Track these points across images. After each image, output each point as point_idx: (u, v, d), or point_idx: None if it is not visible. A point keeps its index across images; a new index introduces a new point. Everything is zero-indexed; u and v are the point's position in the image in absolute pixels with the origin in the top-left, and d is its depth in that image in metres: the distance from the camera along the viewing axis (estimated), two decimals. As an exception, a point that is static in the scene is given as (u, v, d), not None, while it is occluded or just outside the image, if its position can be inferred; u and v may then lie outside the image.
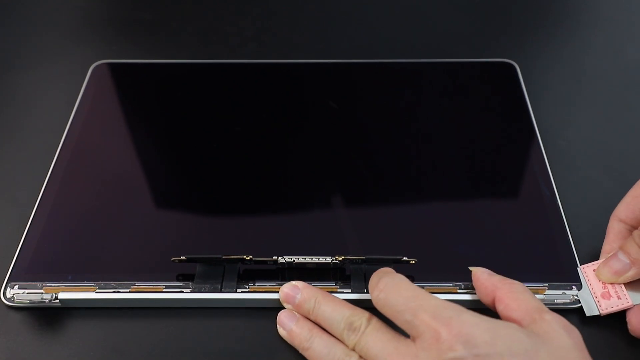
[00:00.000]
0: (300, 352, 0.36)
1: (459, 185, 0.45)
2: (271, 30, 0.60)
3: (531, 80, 0.53)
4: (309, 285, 0.38)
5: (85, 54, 0.56)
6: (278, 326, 0.37)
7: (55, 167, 0.45)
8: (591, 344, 0.32)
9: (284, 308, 0.38)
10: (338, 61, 0.55)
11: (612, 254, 0.38)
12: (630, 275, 0.37)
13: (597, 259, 0.40)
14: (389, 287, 0.34)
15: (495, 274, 0.36)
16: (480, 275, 0.36)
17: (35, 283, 0.39)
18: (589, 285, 0.38)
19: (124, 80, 0.54)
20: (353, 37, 0.59)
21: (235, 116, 0.50)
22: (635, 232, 0.37)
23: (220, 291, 0.38)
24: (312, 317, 0.37)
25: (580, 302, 0.38)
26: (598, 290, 0.38)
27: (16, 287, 0.39)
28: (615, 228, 0.40)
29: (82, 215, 0.43)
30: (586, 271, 0.39)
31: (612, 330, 0.38)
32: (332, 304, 0.36)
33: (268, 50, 0.57)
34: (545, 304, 0.34)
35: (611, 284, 0.38)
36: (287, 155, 0.47)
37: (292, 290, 0.38)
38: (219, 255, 0.38)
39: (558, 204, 0.43)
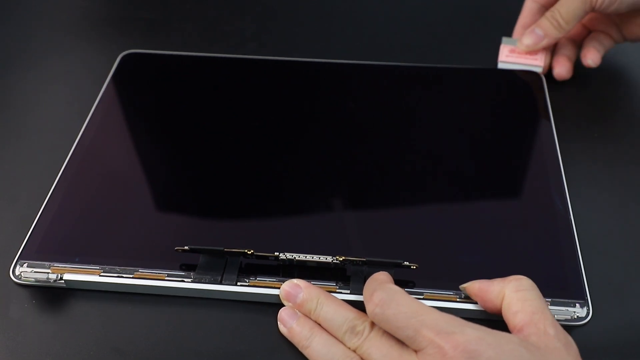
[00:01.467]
0: (299, 350, 0.36)
1: (467, 192, 0.44)
2: (271, 30, 0.60)
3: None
4: (310, 284, 0.38)
5: (85, 53, 0.58)
6: (279, 323, 0.37)
7: (71, 158, 0.47)
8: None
9: (282, 304, 0.38)
10: (357, 62, 0.55)
11: (529, 29, 0.51)
12: (543, 43, 0.51)
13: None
14: (385, 302, 0.33)
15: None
16: (482, 282, 0.36)
17: (43, 263, 0.40)
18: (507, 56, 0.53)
19: (148, 72, 0.55)
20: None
21: (247, 112, 0.50)
22: (547, 13, 0.50)
23: (220, 283, 0.39)
24: (313, 317, 0.37)
25: (583, 320, 0.38)
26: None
27: (25, 265, 0.40)
28: (528, 6, 0.53)
29: (93, 201, 0.44)
30: (504, 50, 0.53)
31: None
32: (335, 305, 0.36)
33: (268, 51, 0.58)
34: None
35: (529, 52, 0.52)
36: (296, 154, 0.47)
37: (293, 289, 0.37)
38: (221, 248, 0.39)
39: (570, 219, 0.42)
